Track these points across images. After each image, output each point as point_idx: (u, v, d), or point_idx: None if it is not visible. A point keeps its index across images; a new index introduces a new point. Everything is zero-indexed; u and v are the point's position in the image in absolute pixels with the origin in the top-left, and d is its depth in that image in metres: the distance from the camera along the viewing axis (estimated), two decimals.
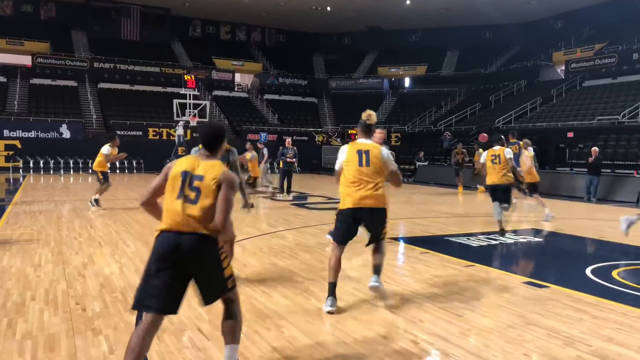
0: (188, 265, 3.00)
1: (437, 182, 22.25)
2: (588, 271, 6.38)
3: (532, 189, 11.55)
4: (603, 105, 24.91)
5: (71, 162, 26.72)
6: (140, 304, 3.02)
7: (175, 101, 29.18)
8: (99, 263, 6.42)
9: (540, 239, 8.82)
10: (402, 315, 4.61)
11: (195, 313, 4.54)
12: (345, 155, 4.86)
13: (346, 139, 34.62)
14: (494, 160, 8.90)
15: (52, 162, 26.60)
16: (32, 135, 27.87)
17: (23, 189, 17.31)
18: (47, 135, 28.24)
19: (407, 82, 42.08)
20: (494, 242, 8.37)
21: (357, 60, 43.42)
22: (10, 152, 26.77)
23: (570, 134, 22.22)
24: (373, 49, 43.72)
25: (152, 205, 3.25)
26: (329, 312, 4.59)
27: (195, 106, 29.79)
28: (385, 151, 4.89)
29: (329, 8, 37.58)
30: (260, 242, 8.09)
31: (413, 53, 40.65)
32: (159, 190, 3.19)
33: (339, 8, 37.31)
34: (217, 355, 3.66)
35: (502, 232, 8.78)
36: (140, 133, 29.90)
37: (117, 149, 12.29)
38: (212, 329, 4.18)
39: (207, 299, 3.15)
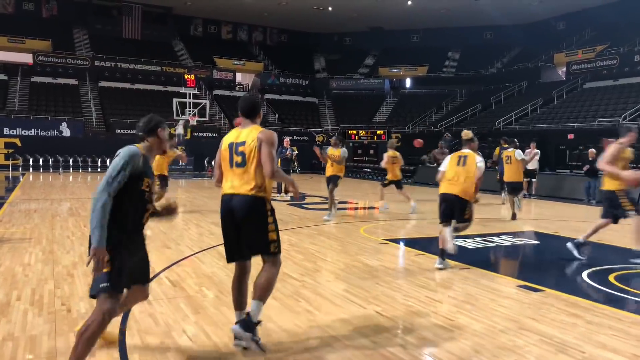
0: (238, 222, 3.58)
1: (436, 183, 22.13)
2: (585, 275, 6.30)
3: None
4: (604, 107, 24.79)
5: (71, 160, 26.67)
6: (229, 258, 3.79)
7: (175, 100, 29.14)
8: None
9: (538, 242, 8.73)
10: (392, 318, 4.53)
11: (181, 315, 4.47)
12: (448, 159, 6.76)
13: (346, 139, 34.59)
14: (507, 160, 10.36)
15: (51, 160, 26.56)
16: (32, 134, 27.84)
17: (21, 187, 17.26)
18: (47, 133, 28.21)
19: (408, 82, 41.99)
20: (491, 245, 8.29)
21: (358, 61, 43.35)
22: (10, 150, 26.74)
23: (570, 136, 22.11)
24: (374, 49, 43.65)
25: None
26: (438, 269, 6.33)
27: (195, 105, 29.75)
28: (479, 158, 6.61)
29: (330, 8, 37.53)
30: None
31: (414, 54, 40.56)
32: (221, 167, 3.77)
33: (340, 8, 37.25)
34: (200, 358, 3.59)
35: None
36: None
37: None
38: (198, 330, 4.10)
39: (248, 254, 3.71)
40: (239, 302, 3.72)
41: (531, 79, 32.92)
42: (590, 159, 15.75)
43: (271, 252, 3.61)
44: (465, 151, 6.73)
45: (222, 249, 7.46)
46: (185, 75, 32.29)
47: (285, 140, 16.12)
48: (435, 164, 13.04)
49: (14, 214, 10.58)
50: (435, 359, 3.69)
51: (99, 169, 27.16)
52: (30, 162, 26.22)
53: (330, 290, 5.39)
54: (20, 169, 25.71)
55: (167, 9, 39.47)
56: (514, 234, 9.34)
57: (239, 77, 41.18)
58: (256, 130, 3.65)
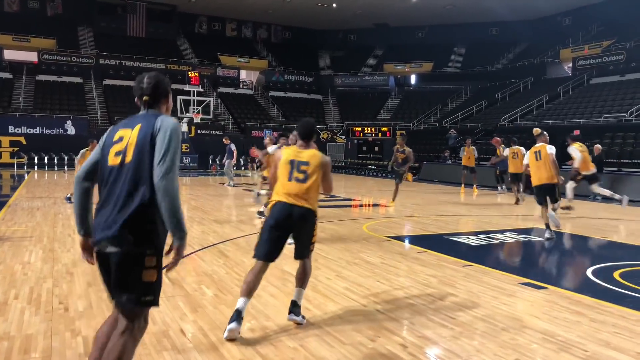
0: (294, 228, 4.14)
1: (441, 180, 22.06)
2: (589, 272, 6.22)
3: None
4: (610, 103, 24.59)
5: (75, 158, 26.70)
6: (257, 255, 4.16)
7: (179, 98, 29.13)
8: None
9: (541, 238, 8.64)
10: (392, 316, 4.48)
11: (179, 313, 4.43)
12: (528, 155, 8.56)
13: (351, 136, 34.53)
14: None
15: (56, 158, 26.64)
16: (37, 132, 27.94)
17: (25, 185, 17.31)
18: (52, 131, 28.31)
19: (413, 79, 41.84)
20: (494, 242, 8.21)
21: (363, 57, 43.23)
22: (15, 149, 26.86)
23: (576, 132, 21.92)
24: (379, 46, 43.50)
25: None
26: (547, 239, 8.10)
27: (200, 103, 29.74)
28: (550, 146, 8.31)
29: (334, 5, 37.40)
30: (255, 240, 7.95)
31: (419, 50, 40.40)
32: (275, 174, 4.36)
33: (344, 5, 37.13)
34: (196, 358, 3.54)
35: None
36: None
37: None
38: (195, 329, 4.06)
39: (297, 256, 4.30)
40: (251, 291, 4.08)
41: (537, 75, 32.71)
42: (596, 154, 15.60)
43: (310, 253, 4.34)
44: (538, 145, 8.43)
45: (223, 247, 7.45)
46: (189, 72, 32.28)
47: (289, 137, 16.07)
48: (402, 164, 12.79)
49: (17, 212, 10.59)
50: (436, 359, 3.64)
51: None
52: (35, 160, 26.32)
53: (330, 288, 5.34)
54: (25, 167, 25.79)
55: (172, 7, 39.47)
56: (517, 231, 9.25)
57: (243, 74, 41.15)
58: (319, 156, 4.26)
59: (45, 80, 33.09)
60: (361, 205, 13.51)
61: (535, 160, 8.33)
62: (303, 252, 4.28)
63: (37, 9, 37.35)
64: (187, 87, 30.38)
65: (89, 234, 2.63)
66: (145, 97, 2.69)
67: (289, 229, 4.14)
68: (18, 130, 27.31)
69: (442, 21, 39.56)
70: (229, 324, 3.89)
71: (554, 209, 8.64)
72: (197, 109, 29.47)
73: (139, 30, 39.20)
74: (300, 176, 4.15)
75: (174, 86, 34.36)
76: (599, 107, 24.56)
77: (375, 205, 13.47)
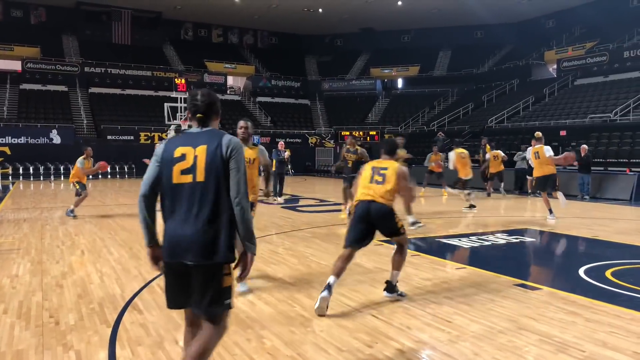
0: (374, 222, 4.96)
1: (430, 183, 22.10)
2: (581, 272, 6.24)
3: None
4: (595, 104, 24.87)
5: (62, 168, 26.44)
6: (345, 244, 4.99)
7: (167, 105, 28.96)
8: (79, 272, 6.22)
9: (533, 239, 8.68)
10: (388, 321, 4.45)
11: (173, 324, 4.36)
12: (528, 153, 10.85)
13: (339, 140, 34.55)
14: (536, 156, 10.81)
15: (42, 168, 26.33)
16: (22, 141, 27.59)
17: (11, 196, 17.07)
18: (37, 140, 27.97)
19: (400, 82, 42.01)
20: (486, 243, 8.23)
21: (350, 62, 43.34)
22: (0, 159, 26.49)
23: (563, 133, 22.16)
24: (366, 50, 43.65)
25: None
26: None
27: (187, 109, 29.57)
28: (546, 147, 10.32)
29: (320, 10, 37.49)
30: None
31: (405, 54, 40.60)
32: (356, 182, 5.27)
33: (330, 10, 37.22)
34: None
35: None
36: (132, 137, 29.69)
37: (91, 160, 11.98)
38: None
39: (387, 236, 5.16)
40: (340, 272, 4.87)
41: (522, 77, 33.02)
42: (582, 155, 15.76)
43: (401, 232, 5.10)
44: (537, 147, 10.48)
45: None
46: (176, 79, 32.09)
47: (280, 143, 16.03)
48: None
49: (3, 223, 10.42)
50: None
51: (90, 177, 26.93)
52: (21, 171, 25.99)
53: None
54: (10, 177, 25.45)
55: (157, 14, 39.29)
56: (509, 232, 9.28)
57: (230, 80, 41.04)
58: (396, 164, 5.15)
59: (29, 89, 32.72)
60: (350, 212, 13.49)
61: (535, 158, 10.57)
62: (389, 234, 5.12)
63: (20, 17, 36.97)
64: (174, 94, 30.21)
65: (157, 244, 2.86)
66: (199, 115, 2.81)
67: (371, 222, 4.97)
68: (2, 140, 26.94)
69: (428, 25, 39.81)
70: (321, 293, 4.62)
71: (550, 194, 10.87)
72: (184, 115, 29.29)
73: (125, 37, 38.97)
74: (379, 179, 5.03)
75: (160, 93, 34.41)
76: (584, 108, 24.83)
77: None
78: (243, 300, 5.08)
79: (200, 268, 2.64)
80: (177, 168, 2.69)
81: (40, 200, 15.39)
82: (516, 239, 8.67)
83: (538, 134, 10.67)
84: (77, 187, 11.76)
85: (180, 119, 29.14)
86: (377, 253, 7.45)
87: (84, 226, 10.09)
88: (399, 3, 35.45)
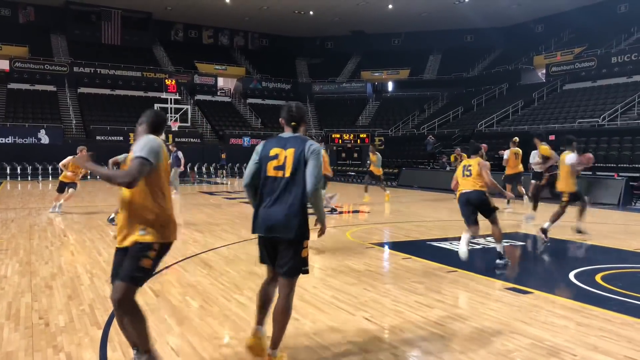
0: (475, 205, 6.76)
1: (421, 185, 22.20)
2: (572, 276, 6.29)
3: None
4: (583, 108, 25.10)
5: (50, 168, 26.17)
6: (472, 223, 6.82)
7: (157, 106, 28.78)
8: (68, 273, 6.16)
9: (523, 243, 8.72)
10: (381, 325, 4.45)
11: (166, 326, 4.33)
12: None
13: (329, 142, 34.57)
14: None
15: (30, 168, 26.08)
16: (10, 141, 27.31)
17: None
18: (25, 140, 27.70)
19: (390, 86, 42.13)
20: (477, 247, 8.26)
21: (341, 64, 43.40)
22: None
23: (552, 137, 22.31)
24: (356, 53, 43.74)
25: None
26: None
27: (177, 111, 29.47)
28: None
29: (311, 12, 37.51)
30: (239, 249, 7.89)
31: (396, 57, 40.74)
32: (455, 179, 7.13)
33: (321, 12, 37.26)
34: None
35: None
36: (121, 138, 29.47)
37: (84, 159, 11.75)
38: (182, 342, 3.97)
39: (489, 220, 6.88)
40: (475, 234, 7.00)
41: (512, 81, 33.25)
42: None
43: (493, 211, 6.85)
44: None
45: (205, 256, 7.37)
46: (166, 80, 31.96)
47: None
48: None
49: None
50: None
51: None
52: (8, 171, 25.71)
53: (317, 296, 5.30)
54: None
55: (147, 14, 39.08)
56: None
57: (220, 81, 40.91)
58: (478, 160, 6.90)
59: (17, 88, 32.38)
60: (341, 212, 13.49)
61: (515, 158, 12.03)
62: (489, 217, 6.87)
63: (8, 16, 36.59)
64: (164, 95, 30.09)
65: None
66: (293, 123, 3.67)
67: (473, 206, 6.79)
68: None
69: (418, 28, 39.98)
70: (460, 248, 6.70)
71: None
72: (174, 116, 29.18)
73: (114, 38, 38.71)
74: (467, 173, 6.87)
75: (150, 94, 34.22)
76: (572, 113, 25.04)
77: (355, 212, 13.47)
78: (236, 302, 5.05)
79: (285, 241, 3.44)
80: (270, 165, 3.50)
81: (28, 201, 15.22)
82: (507, 242, 8.70)
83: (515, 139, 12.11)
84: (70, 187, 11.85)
85: (171, 120, 29.00)
86: (368, 256, 7.46)
87: (73, 227, 10.00)
88: (390, 6, 35.58)
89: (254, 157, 3.61)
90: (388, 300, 5.18)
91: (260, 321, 3.67)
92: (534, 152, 16.15)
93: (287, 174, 3.44)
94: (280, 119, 3.77)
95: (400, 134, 33.43)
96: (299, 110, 3.73)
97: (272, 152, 3.52)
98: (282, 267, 3.48)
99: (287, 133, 3.64)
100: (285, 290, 3.50)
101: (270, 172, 3.50)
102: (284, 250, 3.46)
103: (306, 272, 3.55)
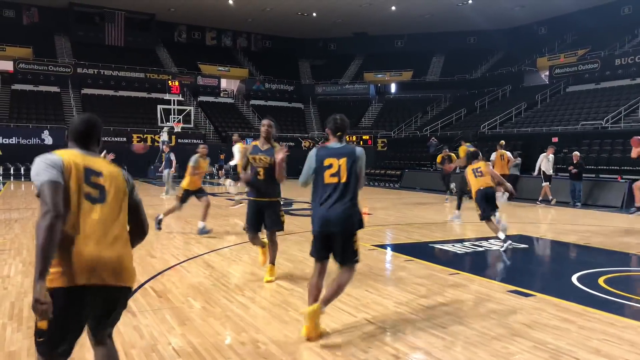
0: (490, 197, 8.18)
1: (423, 187, 22.18)
2: (574, 279, 6.27)
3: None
4: (587, 111, 25.05)
5: None
6: (483, 216, 8.21)
7: (159, 107, 28.89)
8: None
9: (526, 245, 8.71)
10: (383, 326, 4.45)
11: (167, 327, 4.34)
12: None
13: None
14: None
15: None
16: (14, 142, 27.39)
17: (2, 196, 16.93)
18: (29, 141, 27.77)
19: (393, 87, 42.13)
20: (480, 249, 8.25)
21: (344, 66, 43.42)
22: None
23: (555, 139, 22.28)
24: (359, 55, 43.76)
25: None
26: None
27: (180, 112, 29.51)
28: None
29: (314, 14, 37.55)
30: (241, 251, 7.90)
31: (399, 58, 40.73)
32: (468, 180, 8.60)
33: (324, 14, 37.29)
34: None
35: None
36: (125, 139, 29.53)
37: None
38: (184, 343, 3.98)
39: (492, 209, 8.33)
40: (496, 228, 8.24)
41: (515, 83, 33.21)
42: (574, 162, 15.86)
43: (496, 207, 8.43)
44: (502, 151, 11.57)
45: (207, 257, 7.38)
46: (169, 81, 32.03)
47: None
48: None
49: None
50: None
51: None
52: (12, 171, 25.78)
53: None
54: (1, 177, 25.24)
55: (151, 15, 39.17)
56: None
57: (223, 83, 40.98)
58: (485, 164, 8.41)
59: (21, 89, 32.49)
60: None
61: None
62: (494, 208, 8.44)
63: (12, 18, 36.72)
64: (167, 96, 30.14)
65: None
66: (339, 133, 4.28)
67: (487, 199, 8.25)
68: None
69: (421, 30, 39.97)
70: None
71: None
72: (177, 117, 29.23)
73: (118, 39, 38.80)
74: (479, 174, 8.23)
75: (153, 95, 34.30)
76: (575, 115, 25.00)
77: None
78: (237, 303, 5.06)
79: (342, 236, 4.10)
80: (327, 173, 4.13)
81: (31, 201, 15.26)
82: (510, 245, 8.68)
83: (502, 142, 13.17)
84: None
85: (174, 121, 29.06)
86: (370, 257, 7.45)
87: None
88: (393, 8, 35.59)
89: (310, 165, 4.20)
90: (390, 302, 5.18)
91: (324, 303, 4.19)
92: (542, 155, 16.15)
93: (343, 180, 4.10)
94: (326, 129, 4.41)
95: (403, 136, 33.41)
96: (343, 122, 4.30)
97: (327, 162, 4.14)
98: (340, 257, 4.20)
99: (335, 143, 4.27)
100: (345, 275, 4.23)
101: (327, 179, 4.12)
102: (341, 244, 4.13)
103: (357, 261, 4.24)
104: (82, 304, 2.36)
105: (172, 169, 17.12)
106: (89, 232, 2.37)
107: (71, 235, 2.33)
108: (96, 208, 2.43)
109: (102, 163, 2.58)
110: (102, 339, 2.66)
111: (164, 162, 17.24)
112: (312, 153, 4.25)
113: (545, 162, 16.14)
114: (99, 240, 2.39)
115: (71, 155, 2.47)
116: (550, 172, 16.18)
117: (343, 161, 4.13)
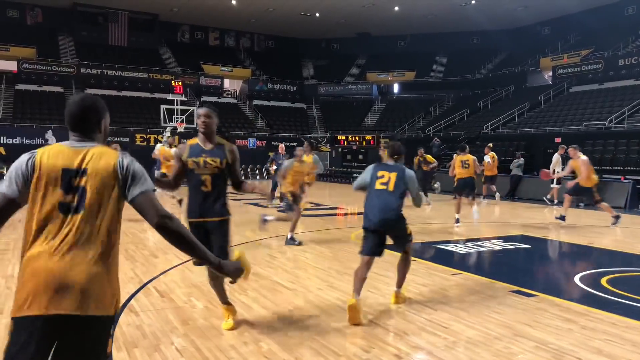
0: (469, 185, 11.02)
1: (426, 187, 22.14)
2: (577, 279, 6.27)
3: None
4: (590, 111, 25.00)
5: None
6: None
7: (163, 107, 28.94)
8: None
9: (528, 246, 8.71)
10: (385, 327, 4.46)
11: (170, 326, 4.35)
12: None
13: (335, 144, 34.60)
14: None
15: None
16: (17, 142, 27.46)
17: None
18: (33, 141, 27.82)
19: (396, 87, 42.10)
20: (482, 249, 8.25)
21: (346, 66, 43.41)
22: None
23: (558, 139, 22.23)
24: (362, 55, 43.74)
25: None
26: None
27: (183, 112, 29.57)
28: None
29: (317, 14, 37.55)
30: (243, 251, 7.89)
31: (402, 59, 40.70)
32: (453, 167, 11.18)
33: (327, 14, 37.29)
34: None
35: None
36: (127, 139, 29.61)
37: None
38: (187, 343, 3.99)
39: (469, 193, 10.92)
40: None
41: (518, 84, 33.16)
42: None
43: (473, 190, 10.63)
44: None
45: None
46: (172, 82, 32.08)
47: (280, 146, 15.99)
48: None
49: None
50: None
51: None
52: None
53: (322, 298, 5.31)
54: (4, 177, 25.33)
55: (154, 16, 39.24)
56: (505, 238, 9.31)
57: (226, 83, 41.01)
58: (470, 156, 10.58)
59: (25, 89, 32.58)
60: (346, 214, 13.52)
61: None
62: (471, 194, 10.71)
63: (16, 18, 36.82)
64: (170, 96, 30.18)
65: None
66: (395, 156, 5.21)
67: (469, 187, 10.85)
68: None
69: (424, 30, 39.93)
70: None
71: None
72: (180, 118, 29.27)
73: (121, 39, 38.89)
74: (466, 166, 10.19)
75: (156, 95, 34.38)
76: (579, 115, 24.95)
77: (360, 213, 13.46)
78: (240, 303, 5.07)
79: (395, 230, 5.08)
80: (379, 181, 5.04)
81: None
82: (512, 245, 8.69)
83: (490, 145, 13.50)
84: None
85: (177, 121, 29.11)
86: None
87: None
88: (396, 8, 35.57)
89: (367, 175, 5.19)
90: (392, 302, 5.18)
91: (358, 292, 4.75)
92: (556, 155, 15.86)
93: (391, 189, 5.01)
94: (383, 151, 5.64)
95: (406, 136, 33.38)
96: (400, 148, 5.28)
97: (380, 173, 5.10)
98: (399, 246, 5.24)
99: (390, 162, 5.23)
100: (405, 257, 5.28)
101: (378, 186, 5.06)
102: (396, 236, 5.16)
103: (411, 239, 5.29)
104: None
105: (162, 170, 16.84)
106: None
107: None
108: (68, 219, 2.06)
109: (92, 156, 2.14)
110: None
111: (156, 165, 16.97)
112: (370, 167, 5.30)
113: (559, 162, 15.68)
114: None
115: (51, 153, 2.14)
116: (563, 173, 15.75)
117: (393, 175, 5.06)
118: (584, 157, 11.03)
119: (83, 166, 2.11)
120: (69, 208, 2.07)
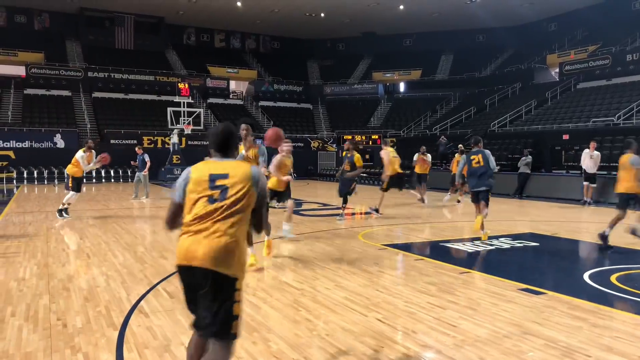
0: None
1: (433, 186, 22.09)
2: (586, 276, 6.25)
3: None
4: (598, 107, 24.84)
5: (65, 172, 26.44)
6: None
7: (169, 109, 29.07)
8: (85, 276, 6.25)
9: (537, 244, 8.67)
10: (394, 325, 4.46)
11: (180, 327, 4.38)
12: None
13: (341, 144, 34.57)
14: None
15: (46, 172, 26.42)
16: (26, 146, 27.73)
17: (15, 199, 17.12)
18: (41, 145, 28.09)
19: (402, 86, 42.05)
20: (490, 248, 8.23)
21: (352, 66, 43.41)
22: (4, 163, 26.63)
23: (565, 136, 22.13)
24: (367, 54, 43.73)
25: None
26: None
27: (190, 114, 29.69)
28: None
29: (322, 14, 37.58)
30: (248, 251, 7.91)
31: (407, 58, 40.65)
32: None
33: (332, 14, 37.32)
34: None
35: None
36: (135, 142, 29.74)
37: (94, 153, 12.02)
38: None
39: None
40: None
41: (525, 81, 33.00)
42: (591, 149, 15.68)
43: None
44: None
45: None
46: (179, 84, 32.21)
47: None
48: None
49: (9, 227, 10.46)
50: None
51: (93, 180, 27.03)
52: (25, 175, 26.08)
53: (330, 298, 5.32)
54: (14, 181, 25.54)
55: (160, 19, 39.44)
56: (513, 237, 9.28)
57: (232, 85, 41.15)
58: (458, 156, 13.99)
59: (33, 94, 32.86)
60: (354, 214, 13.52)
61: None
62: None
63: (24, 23, 37.14)
64: (177, 99, 30.32)
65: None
66: (475, 147, 8.77)
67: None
68: (7, 145, 27.10)
69: (429, 29, 39.86)
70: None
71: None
72: (187, 120, 29.40)
73: (127, 42, 39.12)
74: (476, 164, 9.47)
75: (163, 98, 34.52)
76: (587, 112, 24.80)
77: (367, 213, 13.47)
78: (248, 303, 5.09)
79: (485, 191, 8.77)
80: (473, 161, 8.69)
81: (44, 204, 15.44)
82: (520, 243, 8.67)
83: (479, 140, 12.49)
84: (71, 183, 11.80)
85: (184, 123, 29.22)
86: (380, 257, 7.47)
87: (89, 230, 10.13)
88: (401, 7, 35.53)
89: (464, 160, 8.77)
90: (400, 301, 5.19)
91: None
92: (586, 151, 15.55)
93: (482, 164, 8.31)
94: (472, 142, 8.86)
95: (413, 135, 33.34)
96: (477, 138, 8.22)
97: (472, 157, 8.38)
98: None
99: (476, 149, 8.56)
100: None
101: (473, 165, 8.42)
102: (484, 194, 8.45)
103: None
104: None
105: (145, 171, 16.72)
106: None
107: None
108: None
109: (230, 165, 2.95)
110: None
111: (139, 164, 16.82)
112: (464, 156, 8.74)
113: (588, 159, 15.29)
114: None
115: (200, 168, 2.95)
116: (591, 170, 15.28)
117: (480, 157, 8.45)
118: None
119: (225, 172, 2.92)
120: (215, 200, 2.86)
